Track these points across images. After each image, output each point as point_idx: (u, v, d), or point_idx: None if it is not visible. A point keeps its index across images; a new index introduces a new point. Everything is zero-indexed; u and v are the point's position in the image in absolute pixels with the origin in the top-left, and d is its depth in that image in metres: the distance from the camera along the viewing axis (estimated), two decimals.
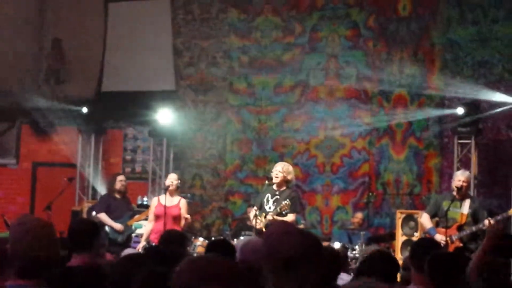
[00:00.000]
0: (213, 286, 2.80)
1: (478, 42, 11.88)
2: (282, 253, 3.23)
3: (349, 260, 9.53)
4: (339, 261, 5.77)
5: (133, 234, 10.80)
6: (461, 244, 8.98)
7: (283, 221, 8.71)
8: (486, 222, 8.83)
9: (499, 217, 9.01)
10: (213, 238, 10.56)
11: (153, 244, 9.87)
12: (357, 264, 5.18)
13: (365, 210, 11.70)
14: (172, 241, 5.92)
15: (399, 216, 10.89)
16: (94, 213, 11.32)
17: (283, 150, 12.91)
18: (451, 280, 4.59)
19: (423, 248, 5.28)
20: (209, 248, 5.98)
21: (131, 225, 10.70)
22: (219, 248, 5.86)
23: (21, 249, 3.59)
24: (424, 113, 11.87)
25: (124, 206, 10.80)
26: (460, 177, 9.30)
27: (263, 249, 3.60)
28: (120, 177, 10.97)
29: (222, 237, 7.74)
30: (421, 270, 5.01)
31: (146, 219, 10.61)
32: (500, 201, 10.35)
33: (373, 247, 7.83)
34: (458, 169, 10.81)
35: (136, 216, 10.75)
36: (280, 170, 9.45)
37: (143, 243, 9.88)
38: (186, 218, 9.95)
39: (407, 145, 12.09)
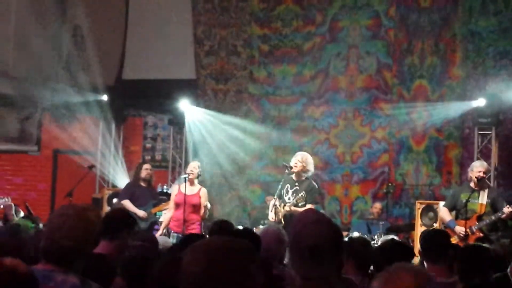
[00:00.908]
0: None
1: (500, 33, 11.82)
2: (308, 241, 3.25)
3: None
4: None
5: (158, 223, 10.86)
6: (481, 235, 8.97)
7: (310, 209, 8.71)
8: (506, 210, 8.82)
9: None
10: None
11: (172, 231, 9.97)
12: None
13: (384, 201, 11.70)
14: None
15: (419, 207, 10.87)
16: (115, 200, 11.40)
17: (302, 140, 12.90)
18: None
19: (431, 240, 5.28)
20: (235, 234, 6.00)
21: (155, 213, 10.76)
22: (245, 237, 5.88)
23: (49, 231, 3.68)
24: (444, 104, 11.82)
25: (149, 194, 10.86)
26: (480, 168, 9.29)
27: (288, 237, 3.63)
28: (146, 166, 11.04)
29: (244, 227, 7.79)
30: (433, 261, 5.04)
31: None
32: None
33: (391, 237, 7.82)
34: (478, 159, 10.77)
35: (160, 205, 10.80)
36: (300, 160, 9.44)
37: (162, 230, 9.94)
38: (205, 207, 9.99)
39: (427, 136, 12.06)
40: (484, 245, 5.66)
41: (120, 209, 6.44)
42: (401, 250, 5.32)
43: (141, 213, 10.45)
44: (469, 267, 5.01)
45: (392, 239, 6.10)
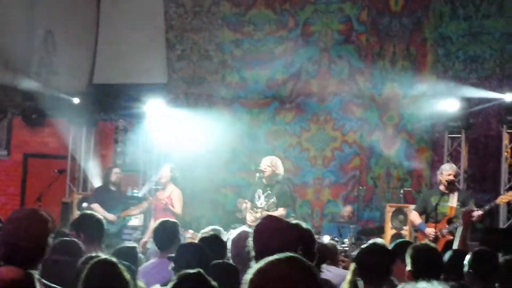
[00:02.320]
0: None
1: (470, 37, 11.91)
2: (275, 248, 3.22)
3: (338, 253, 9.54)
4: (324, 253, 5.82)
5: (127, 227, 10.85)
6: (451, 237, 9.00)
7: (271, 216, 8.71)
8: (475, 213, 8.86)
9: (487, 207, 9.05)
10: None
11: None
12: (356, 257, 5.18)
13: (355, 204, 11.73)
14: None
15: (389, 210, 10.92)
16: (84, 204, 11.34)
17: (274, 144, 12.90)
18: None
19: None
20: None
21: (124, 217, 10.73)
22: (210, 243, 5.85)
23: (6, 236, 3.74)
24: (415, 108, 11.87)
25: (118, 198, 10.83)
26: (449, 171, 9.34)
27: (254, 244, 3.61)
28: (116, 169, 11.02)
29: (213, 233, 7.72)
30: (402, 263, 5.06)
31: (141, 212, 10.72)
32: (489, 195, 10.37)
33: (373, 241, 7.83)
34: (448, 162, 10.81)
35: (129, 209, 10.77)
36: (269, 164, 9.47)
37: (147, 238, 9.93)
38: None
39: (398, 139, 12.10)
40: (433, 245, 5.65)
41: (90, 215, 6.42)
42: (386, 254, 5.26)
43: (110, 216, 10.41)
44: (420, 268, 5.01)
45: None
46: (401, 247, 5.46)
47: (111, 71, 14.00)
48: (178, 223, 6.81)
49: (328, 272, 5.78)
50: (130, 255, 5.57)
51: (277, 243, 3.32)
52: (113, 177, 10.82)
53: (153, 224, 10.13)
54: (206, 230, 6.76)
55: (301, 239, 3.45)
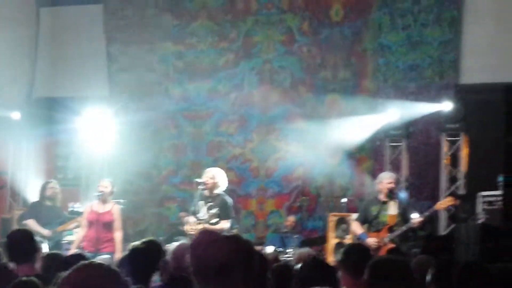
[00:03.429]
0: None
1: (409, 47, 12.08)
2: (212, 261, 3.23)
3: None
4: (266, 265, 5.79)
5: (64, 241, 10.70)
6: (393, 246, 9.08)
7: (208, 230, 8.72)
8: (415, 220, 8.97)
9: (427, 213, 9.18)
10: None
11: (86, 251, 9.83)
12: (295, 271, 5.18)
13: (299, 214, 11.78)
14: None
15: (332, 219, 10.99)
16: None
17: (217, 155, 12.89)
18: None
19: (354, 254, 5.31)
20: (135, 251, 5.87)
21: (60, 232, 10.61)
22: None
23: None
24: (357, 117, 11.97)
25: (54, 213, 10.69)
26: (389, 179, 9.43)
27: (191, 259, 3.60)
28: (51, 184, 10.86)
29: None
30: (353, 274, 5.05)
31: (77, 226, 10.55)
32: (429, 203, 10.50)
33: (304, 251, 7.88)
34: (389, 171, 10.91)
35: (66, 223, 10.66)
36: (211, 176, 9.49)
37: (74, 250, 9.80)
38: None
39: (341, 149, 12.17)
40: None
41: (19, 230, 6.28)
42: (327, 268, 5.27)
43: (44, 232, 10.28)
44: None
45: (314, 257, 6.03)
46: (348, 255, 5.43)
47: (52, 84, 13.85)
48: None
49: None
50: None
51: (212, 256, 3.30)
52: (49, 192, 10.68)
53: (81, 235, 10.04)
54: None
55: (239, 251, 3.44)
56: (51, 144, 13.71)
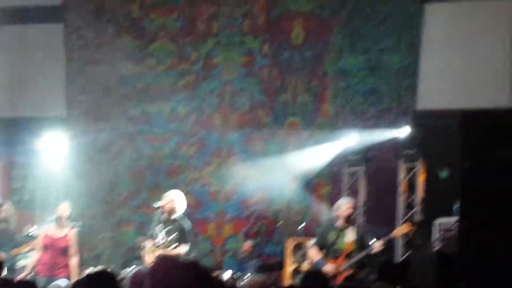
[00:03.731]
0: None
1: (368, 71, 12.13)
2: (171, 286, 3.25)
3: None
4: None
5: (17, 265, 10.58)
6: (350, 273, 9.10)
7: (167, 256, 8.69)
8: (376, 244, 8.98)
9: (385, 239, 9.19)
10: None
11: (41, 275, 9.73)
12: None
13: (257, 239, 11.75)
14: None
15: (289, 245, 10.98)
16: None
17: (176, 178, 12.82)
18: None
19: (312, 281, 5.32)
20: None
21: (15, 255, 10.49)
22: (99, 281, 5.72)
23: None
24: (316, 141, 12.00)
25: (7, 236, 10.57)
26: (347, 205, 9.45)
27: (150, 286, 3.58)
28: (4, 207, 10.75)
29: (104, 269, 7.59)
30: None
31: (31, 250, 10.43)
32: (387, 228, 10.53)
33: (257, 278, 7.85)
34: (347, 196, 10.94)
35: (19, 247, 10.55)
36: (169, 200, 9.46)
37: (28, 272, 9.73)
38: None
39: (299, 173, 12.17)
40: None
41: None
42: None
43: None
44: None
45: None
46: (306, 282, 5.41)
47: (8, 104, 13.66)
48: None
49: None
50: None
51: (172, 283, 3.29)
52: (1, 214, 10.58)
53: (35, 259, 9.91)
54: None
55: (197, 278, 3.41)
56: (6, 165, 13.54)
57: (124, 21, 13.50)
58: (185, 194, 10.01)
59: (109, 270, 6.27)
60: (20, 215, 11.21)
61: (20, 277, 9.74)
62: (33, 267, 9.87)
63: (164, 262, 3.76)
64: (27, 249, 10.57)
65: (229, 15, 12.95)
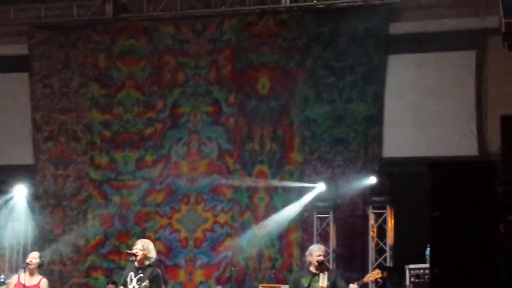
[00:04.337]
0: None
1: (334, 120, 12.37)
2: None
3: None
4: None
5: None
6: None
7: None
8: (352, 286, 9.05)
9: (359, 283, 9.27)
10: None
11: None
12: None
13: (228, 285, 11.75)
14: None
15: None
16: None
17: (145, 225, 12.84)
18: None
19: None
20: None
21: None
22: None
23: None
24: (284, 188, 12.15)
25: None
26: (318, 252, 9.51)
27: None
28: None
29: None
30: None
31: None
32: (358, 274, 10.66)
33: None
34: (317, 242, 11.07)
35: None
36: (140, 248, 9.42)
37: None
38: None
39: (269, 219, 12.30)
40: None
41: None
42: None
43: None
44: None
45: None
46: None
47: None
48: None
49: None
50: None
51: None
52: None
53: None
54: None
55: None
56: None
57: (91, 70, 13.57)
58: (154, 241, 10.04)
59: None
60: None
61: None
62: None
63: None
64: None
65: (195, 65, 13.11)
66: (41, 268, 10.09)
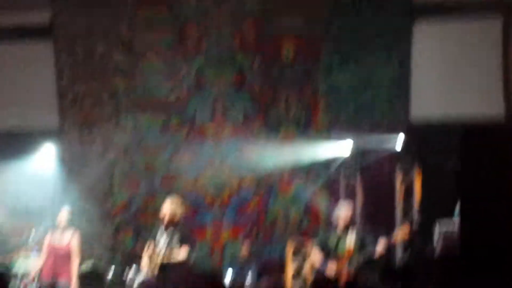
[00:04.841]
0: None
1: (359, 87, 12.39)
2: None
3: None
4: None
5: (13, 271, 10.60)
6: (351, 277, 9.20)
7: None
8: (378, 247, 9.09)
9: (386, 241, 9.31)
10: None
11: (44, 280, 9.80)
12: None
13: (255, 244, 11.82)
14: None
15: (289, 248, 11.06)
16: None
17: (171, 188, 12.88)
18: None
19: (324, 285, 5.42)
20: None
21: (9, 261, 10.50)
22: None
23: None
24: (310, 152, 12.16)
25: (1, 242, 10.58)
26: (346, 211, 9.60)
27: None
28: None
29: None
30: None
31: (26, 256, 10.50)
32: (385, 233, 10.68)
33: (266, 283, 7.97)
34: (344, 203, 11.08)
35: (13, 252, 10.56)
36: (168, 208, 9.53)
37: (32, 279, 9.77)
38: None
39: (294, 181, 12.33)
40: None
41: None
42: None
43: None
44: None
45: None
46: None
47: (1, 117, 13.64)
48: None
49: None
50: None
51: None
52: None
53: (40, 264, 9.97)
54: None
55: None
56: (3, 173, 13.46)
57: (115, 38, 13.60)
58: (182, 202, 10.11)
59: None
60: (16, 222, 11.14)
61: (25, 283, 9.82)
62: (38, 273, 9.95)
63: (187, 274, 3.86)
64: (22, 254, 10.58)
65: (218, 33, 13.12)
66: (71, 224, 10.25)
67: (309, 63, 12.71)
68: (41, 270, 10.14)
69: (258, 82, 12.95)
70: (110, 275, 11.33)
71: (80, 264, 10.41)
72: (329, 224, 11.33)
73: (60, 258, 10.08)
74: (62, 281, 10.01)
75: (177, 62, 13.33)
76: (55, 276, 10.00)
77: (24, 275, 10.79)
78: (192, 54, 13.29)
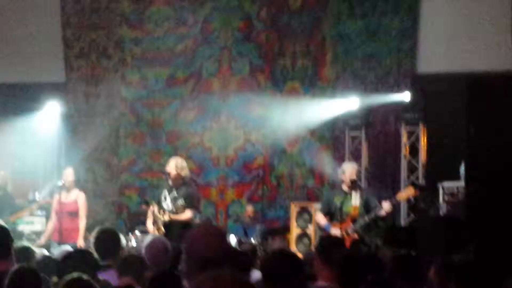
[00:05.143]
0: None
1: (367, 35, 12.12)
2: (200, 254, 3.40)
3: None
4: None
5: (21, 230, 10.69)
6: (356, 236, 9.17)
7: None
8: (384, 206, 9.03)
9: (392, 200, 9.25)
10: None
11: (54, 240, 9.90)
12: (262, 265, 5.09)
13: (260, 203, 11.80)
14: None
15: (293, 209, 11.03)
16: None
17: (177, 143, 12.83)
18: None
19: (330, 245, 5.39)
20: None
21: (14, 221, 10.57)
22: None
23: None
24: (316, 105, 12.00)
25: (5, 202, 10.62)
26: (352, 170, 9.49)
27: (183, 251, 3.66)
28: (1, 173, 10.82)
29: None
30: (328, 266, 5.09)
31: (31, 215, 10.56)
32: (390, 192, 10.63)
33: (277, 243, 7.94)
34: (349, 160, 10.99)
35: (18, 212, 10.63)
36: (173, 167, 9.48)
37: (44, 240, 9.91)
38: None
39: (300, 138, 12.21)
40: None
41: None
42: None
43: None
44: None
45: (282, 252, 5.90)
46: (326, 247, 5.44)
47: (5, 70, 13.54)
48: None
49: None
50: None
51: (206, 249, 3.41)
52: None
53: (51, 226, 10.06)
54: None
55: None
56: (7, 131, 13.44)
57: None
58: (186, 159, 10.08)
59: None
60: (21, 181, 11.19)
61: (39, 243, 9.93)
62: (49, 234, 10.05)
63: (199, 230, 3.81)
64: (26, 213, 10.67)
65: None
66: (77, 184, 10.29)
67: (317, 10, 12.43)
68: (48, 231, 10.23)
69: (265, 31, 12.72)
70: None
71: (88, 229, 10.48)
72: (333, 182, 11.27)
73: (66, 218, 10.12)
74: (70, 241, 10.08)
75: (184, 10, 13.10)
76: (62, 236, 10.06)
77: (29, 235, 10.89)
78: (200, 1, 13.06)
